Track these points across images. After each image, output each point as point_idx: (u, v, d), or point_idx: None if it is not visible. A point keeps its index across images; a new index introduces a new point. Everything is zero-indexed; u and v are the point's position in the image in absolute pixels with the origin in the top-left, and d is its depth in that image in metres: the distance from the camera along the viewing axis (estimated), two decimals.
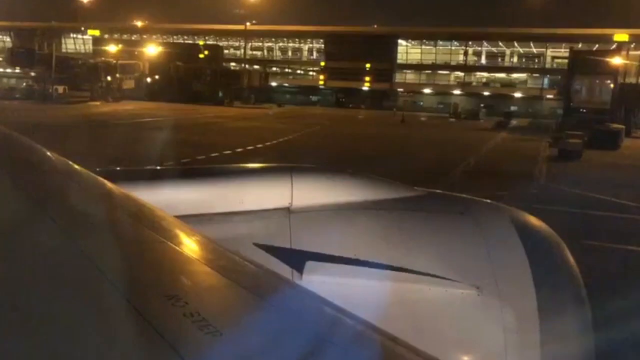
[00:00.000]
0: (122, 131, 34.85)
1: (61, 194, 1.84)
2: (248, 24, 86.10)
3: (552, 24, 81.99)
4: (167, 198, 2.24)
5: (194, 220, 2.03)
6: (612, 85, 53.74)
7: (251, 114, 59.73)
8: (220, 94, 73.41)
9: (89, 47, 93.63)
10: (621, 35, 59.03)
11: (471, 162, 28.04)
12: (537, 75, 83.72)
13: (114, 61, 68.33)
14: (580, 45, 72.87)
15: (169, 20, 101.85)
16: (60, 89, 64.70)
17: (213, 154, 25.53)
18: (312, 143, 34.48)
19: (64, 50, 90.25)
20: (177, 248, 1.37)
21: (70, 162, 2.28)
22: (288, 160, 24.44)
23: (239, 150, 28.25)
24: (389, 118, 59.20)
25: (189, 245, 1.48)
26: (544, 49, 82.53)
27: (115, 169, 2.88)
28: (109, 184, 1.98)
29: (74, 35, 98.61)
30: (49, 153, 2.47)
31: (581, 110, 52.43)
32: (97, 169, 2.28)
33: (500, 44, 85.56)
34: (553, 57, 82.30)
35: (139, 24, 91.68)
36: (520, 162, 29.75)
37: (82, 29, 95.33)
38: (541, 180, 23.84)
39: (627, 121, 49.86)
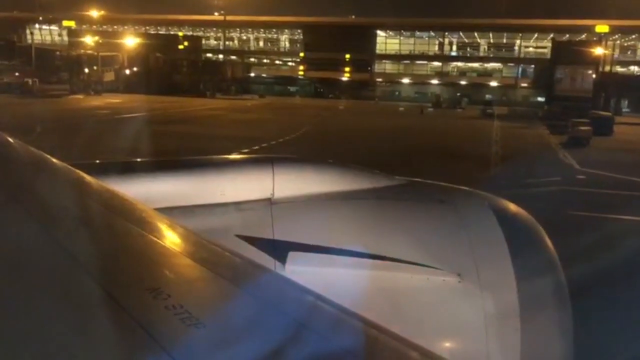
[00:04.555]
0: (135, 126, 34.02)
1: (39, 188, 1.80)
2: (216, 14, 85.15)
3: (521, 15, 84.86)
4: (147, 191, 2.24)
5: (175, 213, 2.05)
6: (593, 75, 56.34)
7: (239, 105, 59.21)
8: (201, 86, 72.52)
9: (56, 38, 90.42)
10: (602, 27, 61.99)
11: (499, 152, 29.20)
12: (511, 64, 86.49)
13: (96, 53, 66.45)
14: (552, 36, 75.73)
15: (137, 11, 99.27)
16: (31, 81, 62.53)
17: (254, 147, 25.64)
18: (341, 132, 34.86)
19: (29, 41, 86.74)
20: (159, 241, 1.37)
21: (47, 156, 2.22)
22: (346, 149, 24.87)
23: (273, 142, 28.40)
24: (373, 107, 59.90)
25: (171, 238, 1.47)
26: (517, 40, 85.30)
27: (94, 162, 2.90)
28: (88, 177, 1.95)
29: (39, 27, 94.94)
30: (24, 146, 2.42)
31: (564, 98, 54.61)
32: (76, 162, 2.23)
33: (476, 34, 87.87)
34: (526, 47, 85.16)
35: (96, 13, 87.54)
36: (537, 148, 31.21)
37: (41, 18, 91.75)
38: (575, 166, 25.17)
39: (606, 109, 52.44)
